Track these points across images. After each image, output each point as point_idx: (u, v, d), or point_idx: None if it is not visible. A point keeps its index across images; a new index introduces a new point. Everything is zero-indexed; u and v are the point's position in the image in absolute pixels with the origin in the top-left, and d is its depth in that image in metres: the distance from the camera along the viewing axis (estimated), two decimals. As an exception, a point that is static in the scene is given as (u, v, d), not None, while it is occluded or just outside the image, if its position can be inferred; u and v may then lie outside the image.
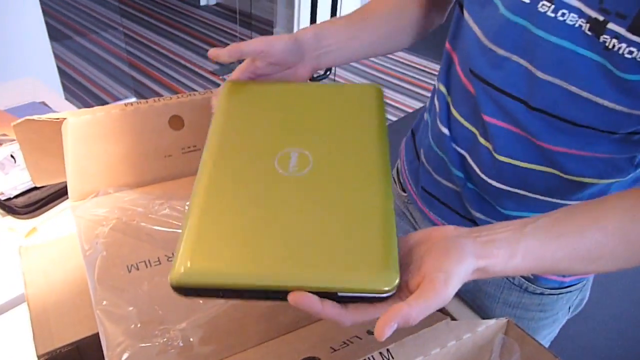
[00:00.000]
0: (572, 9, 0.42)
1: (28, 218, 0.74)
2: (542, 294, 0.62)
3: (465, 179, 0.60)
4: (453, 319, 0.44)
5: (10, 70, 1.91)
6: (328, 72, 2.83)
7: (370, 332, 0.41)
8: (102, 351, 0.41)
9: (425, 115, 0.69)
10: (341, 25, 0.57)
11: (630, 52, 0.40)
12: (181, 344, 0.41)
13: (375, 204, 0.38)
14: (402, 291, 0.35)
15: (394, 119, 2.73)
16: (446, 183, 0.63)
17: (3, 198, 0.74)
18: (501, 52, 0.49)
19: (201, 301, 0.45)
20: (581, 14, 0.42)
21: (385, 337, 0.31)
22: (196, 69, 3.01)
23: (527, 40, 0.46)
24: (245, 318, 0.44)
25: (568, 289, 0.63)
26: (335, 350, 0.39)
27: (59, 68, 2.15)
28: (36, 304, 0.48)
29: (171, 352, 0.41)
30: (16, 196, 0.74)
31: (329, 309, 0.33)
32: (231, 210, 0.37)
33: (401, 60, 3.40)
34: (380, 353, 0.36)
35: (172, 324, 0.42)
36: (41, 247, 0.56)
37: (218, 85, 2.87)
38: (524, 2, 0.46)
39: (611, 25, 0.40)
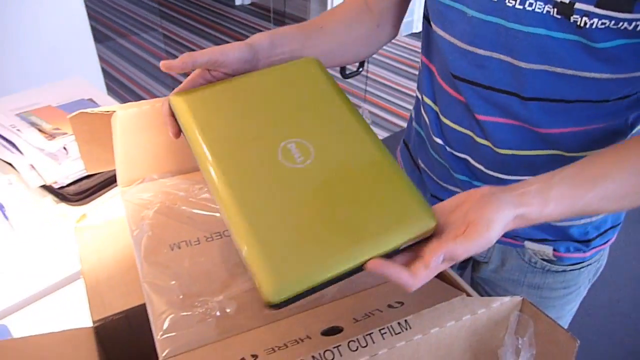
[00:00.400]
0: None
1: (79, 205, 0.80)
2: (564, 271, 0.64)
3: (471, 179, 0.61)
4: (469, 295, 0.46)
5: (59, 71, 2.02)
6: (360, 69, 2.84)
7: (391, 306, 0.44)
8: (148, 319, 0.45)
9: (415, 125, 0.70)
10: (297, 32, 0.57)
11: (603, 24, 0.42)
12: (218, 314, 0.44)
13: (384, 166, 0.42)
14: None
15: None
16: (454, 188, 0.64)
17: (57, 186, 0.80)
18: (481, 52, 0.51)
19: (238, 274, 0.48)
20: (546, 0, 0.43)
21: (432, 265, 0.36)
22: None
23: (503, 35, 0.48)
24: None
25: (589, 262, 0.64)
26: (357, 321, 0.42)
27: (102, 68, 2.25)
28: (90, 278, 0.53)
29: (209, 321, 0.44)
30: (68, 185, 0.80)
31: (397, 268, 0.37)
32: (272, 214, 0.39)
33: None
34: (399, 323, 0.38)
35: (210, 296, 0.46)
36: (94, 228, 0.61)
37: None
38: (493, 1, 0.47)
39: (579, 5, 0.42)
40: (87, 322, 0.49)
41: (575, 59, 0.46)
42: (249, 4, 4.05)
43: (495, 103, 0.52)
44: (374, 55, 3.23)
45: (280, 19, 3.72)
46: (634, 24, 0.41)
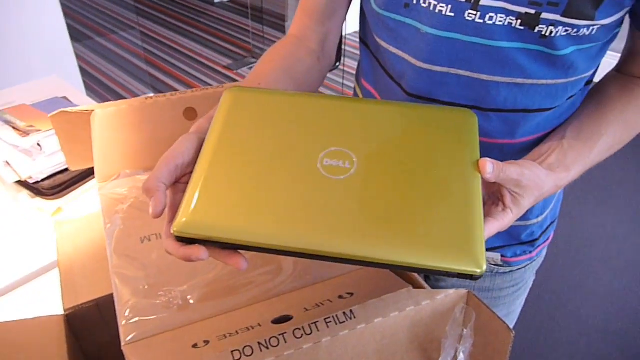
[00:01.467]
0: (497, 10, 0.44)
1: (54, 199, 0.82)
2: (511, 271, 0.66)
3: None
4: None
5: (36, 70, 2.01)
6: (337, 64, 2.86)
7: (341, 297, 0.46)
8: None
9: None
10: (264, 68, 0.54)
11: (566, 31, 0.43)
12: (180, 302, 0.47)
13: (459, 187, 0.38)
14: None
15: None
16: None
17: (32, 181, 0.82)
18: (438, 68, 0.49)
19: (203, 267, 0.51)
20: (507, 12, 0.44)
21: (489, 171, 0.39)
22: (210, 64, 3.09)
23: (462, 50, 0.47)
24: (237, 285, 0.49)
25: (534, 259, 0.67)
26: (307, 310, 0.44)
27: (80, 67, 2.24)
28: (65, 268, 0.55)
29: (171, 309, 0.46)
30: (43, 179, 0.82)
31: None
32: (241, 172, 0.39)
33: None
34: (344, 313, 0.40)
35: (174, 286, 0.48)
36: (72, 222, 0.63)
37: (231, 79, 2.94)
38: (450, 16, 0.46)
39: (545, 15, 0.42)
40: (59, 310, 0.51)
41: (535, 68, 0.47)
42: (228, 1, 4.05)
43: None
44: (350, 50, 3.27)
45: (259, 15, 3.73)
46: (591, 29, 0.43)
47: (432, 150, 0.40)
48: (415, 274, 0.52)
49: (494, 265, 0.65)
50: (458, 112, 0.43)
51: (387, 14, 0.51)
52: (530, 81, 0.48)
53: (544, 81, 0.48)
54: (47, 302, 0.65)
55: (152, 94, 0.65)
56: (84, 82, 2.34)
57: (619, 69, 0.54)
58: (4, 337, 0.45)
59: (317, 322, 0.40)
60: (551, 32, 0.43)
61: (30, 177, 0.82)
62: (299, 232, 0.36)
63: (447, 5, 0.45)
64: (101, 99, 2.74)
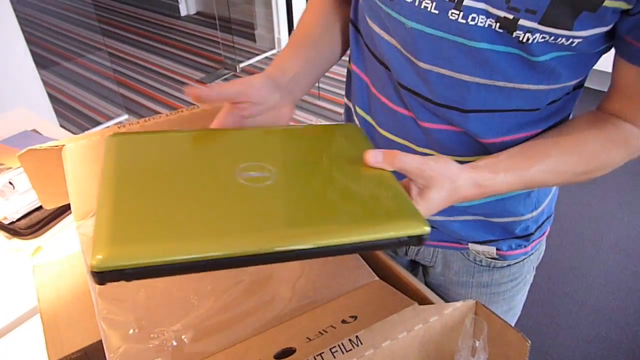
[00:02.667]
0: (479, 11, 0.43)
1: (32, 238, 0.78)
2: (509, 265, 0.65)
3: None
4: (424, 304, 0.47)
5: (1, 103, 1.95)
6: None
7: (345, 321, 0.44)
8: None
9: None
10: (296, 52, 0.58)
11: (543, 38, 0.43)
12: (175, 344, 0.44)
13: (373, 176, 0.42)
14: None
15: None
16: None
17: (7, 222, 0.78)
18: (422, 64, 0.50)
19: (195, 302, 0.49)
20: (488, 14, 0.43)
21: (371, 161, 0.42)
22: (183, 79, 3.05)
23: (445, 49, 0.47)
24: (232, 317, 0.47)
25: (531, 253, 0.66)
26: (310, 340, 0.42)
27: (49, 95, 2.18)
28: (48, 316, 0.52)
29: (165, 352, 0.44)
30: (19, 219, 0.78)
31: None
32: (154, 197, 0.36)
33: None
34: (350, 340, 0.38)
35: (166, 326, 0.46)
36: (52, 265, 0.60)
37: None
38: (434, 14, 0.46)
39: (523, 22, 0.42)
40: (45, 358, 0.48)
41: (515, 72, 0.47)
42: (194, 14, 4.00)
43: (437, 114, 0.53)
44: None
45: (227, 25, 3.70)
46: (570, 40, 0.42)
47: (339, 156, 0.44)
48: (422, 287, 0.50)
49: (490, 259, 0.65)
50: (345, 127, 0.50)
51: (380, 4, 0.50)
52: (510, 84, 0.48)
53: (525, 86, 0.48)
54: (30, 352, 0.61)
55: (126, 116, 0.62)
56: (55, 109, 2.28)
57: (600, 106, 0.53)
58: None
59: (323, 353, 0.38)
60: (528, 39, 0.43)
61: (5, 218, 0.78)
62: (240, 236, 0.33)
63: (432, 2, 0.45)
64: (74, 125, 2.68)
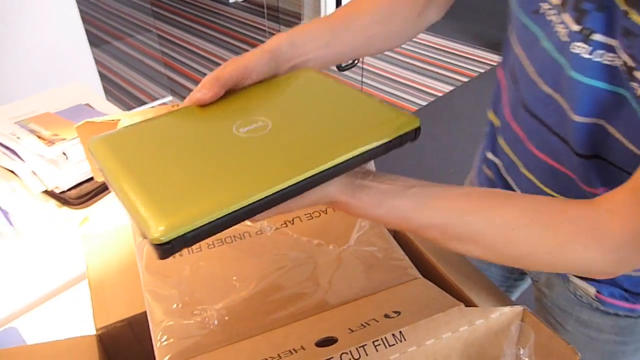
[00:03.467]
0: (608, 48, 0.39)
1: (81, 208, 0.81)
2: (616, 315, 0.57)
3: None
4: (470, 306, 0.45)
5: (57, 77, 2.02)
6: (356, 61, 2.83)
7: (387, 316, 0.44)
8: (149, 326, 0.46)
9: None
10: (319, 30, 0.51)
11: None
12: (216, 322, 0.45)
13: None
14: None
15: (424, 103, 2.73)
16: None
17: (58, 191, 0.81)
18: (545, 88, 0.46)
19: (239, 283, 0.49)
20: (615, 53, 0.39)
21: None
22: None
23: (564, 79, 0.43)
24: (273, 302, 0.47)
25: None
26: (352, 331, 0.41)
27: (99, 72, 2.25)
28: (96, 285, 0.54)
29: (207, 329, 0.44)
30: (69, 189, 0.81)
31: None
32: (167, 166, 0.36)
33: (428, 43, 3.37)
34: (393, 335, 0.38)
35: (209, 304, 0.46)
36: (99, 236, 0.62)
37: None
38: (562, 41, 0.42)
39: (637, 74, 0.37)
40: (92, 323, 0.49)
41: (629, 117, 0.41)
42: (243, 1, 4.04)
43: (548, 143, 0.49)
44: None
45: (274, 14, 3.71)
46: None
47: (313, 95, 0.45)
48: (465, 289, 0.49)
49: (591, 298, 0.57)
50: (302, 71, 0.48)
51: (519, 14, 0.48)
52: (612, 130, 0.43)
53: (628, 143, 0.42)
54: (81, 313, 0.63)
55: (170, 98, 0.63)
56: (104, 87, 2.35)
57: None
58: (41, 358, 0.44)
59: (365, 345, 0.38)
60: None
61: (57, 187, 0.81)
62: (266, 177, 0.34)
63: (564, 29, 0.42)
64: (121, 103, 2.76)
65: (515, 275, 0.73)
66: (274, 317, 0.46)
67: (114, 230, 0.63)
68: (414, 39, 3.39)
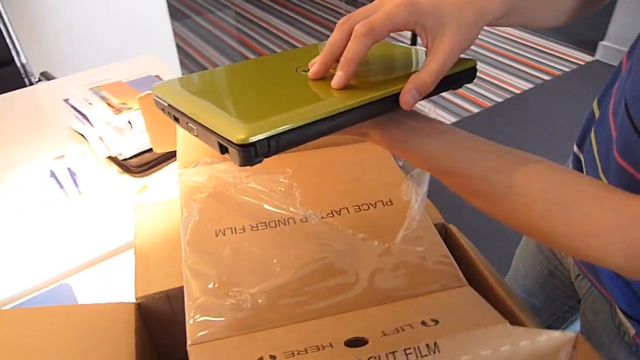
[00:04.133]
0: None
1: (140, 176, 0.84)
2: None
3: None
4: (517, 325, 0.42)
5: (135, 47, 2.11)
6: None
7: (424, 323, 0.41)
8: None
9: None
10: None
11: None
12: (249, 306, 0.44)
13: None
14: None
15: (498, 99, 2.59)
16: None
17: (121, 158, 0.84)
18: None
19: (278, 268, 0.48)
20: None
21: (408, 105, 0.36)
22: (299, 45, 3.09)
23: None
24: (310, 292, 0.46)
25: None
26: (385, 335, 0.39)
27: (178, 45, 2.33)
28: (141, 254, 0.55)
29: (240, 312, 0.44)
30: (131, 157, 0.84)
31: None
32: (243, 88, 0.40)
33: (509, 36, 3.19)
34: (427, 345, 0.36)
35: (245, 287, 0.46)
36: (152, 205, 0.63)
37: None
38: None
39: None
40: (130, 296, 0.50)
41: None
42: (323, -17, 4.01)
43: (633, 151, 0.43)
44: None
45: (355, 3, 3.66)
46: None
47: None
48: (515, 306, 0.45)
49: (633, 340, 0.54)
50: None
51: None
52: None
53: None
54: (126, 281, 0.65)
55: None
56: (180, 59, 2.43)
57: None
58: (76, 320, 0.45)
59: (396, 352, 0.36)
60: None
61: (120, 154, 0.84)
62: (336, 96, 0.36)
63: None
64: (194, 76, 2.84)
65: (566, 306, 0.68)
66: (308, 308, 0.45)
67: (166, 202, 0.64)
68: (493, 30, 3.23)
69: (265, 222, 0.54)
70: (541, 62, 2.92)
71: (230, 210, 0.56)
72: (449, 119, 2.45)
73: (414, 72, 0.37)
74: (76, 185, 0.83)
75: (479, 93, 2.65)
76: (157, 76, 1.02)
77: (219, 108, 0.35)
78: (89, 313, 0.47)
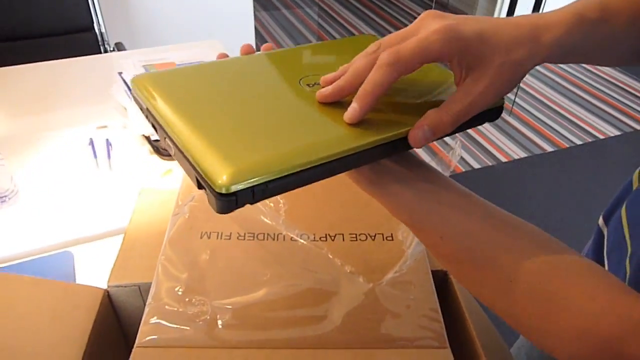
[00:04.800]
0: None
1: (168, 160, 0.84)
2: None
3: None
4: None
5: (217, 31, 2.16)
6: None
7: None
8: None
9: None
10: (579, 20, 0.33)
11: None
12: (208, 318, 0.42)
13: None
14: None
15: (578, 141, 2.41)
16: None
17: (153, 139, 0.85)
18: None
19: (251, 285, 0.46)
20: None
21: (417, 143, 0.31)
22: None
23: None
24: (275, 319, 0.43)
25: None
26: None
27: (260, 34, 2.36)
28: (128, 240, 0.55)
29: (197, 323, 0.42)
30: (162, 140, 0.85)
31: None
32: (231, 115, 0.32)
33: (604, 75, 2.96)
34: None
35: (210, 297, 0.44)
36: (155, 193, 0.63)
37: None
38: None
39: None
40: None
41: None
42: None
43: None
44: (537, 67, 2.93)
45: (442, 10, 3.56)
46: None
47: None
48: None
49: None
50: (367, 37, 0.43)
51: None
52: None
53: None
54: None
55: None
56: (257, 47, 2.47)
57: None
58: (40, 295, 0.46)
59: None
60: None
61: (152, 135, 0.85)
62: (341, 134, 0.31)
63: None
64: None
65: None
66: (267, 335, 0.42)
67: (170, 192, 0.63)
68: (588, 67, 3.01)
69: (254, 234, 0.51)
70: (633, 109, 2.69)
71: (224, 213, 0.54)
72: (517, 152, 2.31)
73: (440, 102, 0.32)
74: (109, 157, 0.85)
75: (556, 130, 2.48)
76: (209, 63, 1.03)
77: (201, 129, 0.30)
78: (56, 290, 0.47)
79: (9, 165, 0.76)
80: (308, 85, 0.36)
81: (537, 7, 2.67)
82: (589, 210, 1.96)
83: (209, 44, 1.24)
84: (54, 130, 0.92)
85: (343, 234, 0.52)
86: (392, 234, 0.53)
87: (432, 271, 0.50)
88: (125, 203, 0.75)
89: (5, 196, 0.74)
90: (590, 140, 2.42)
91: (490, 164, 2.21)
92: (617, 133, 2.48)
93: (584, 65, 3.06)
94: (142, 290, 0.50)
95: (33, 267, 0.62)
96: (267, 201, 0.55)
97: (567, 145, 2.38)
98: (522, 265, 0.29)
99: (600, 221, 0.51)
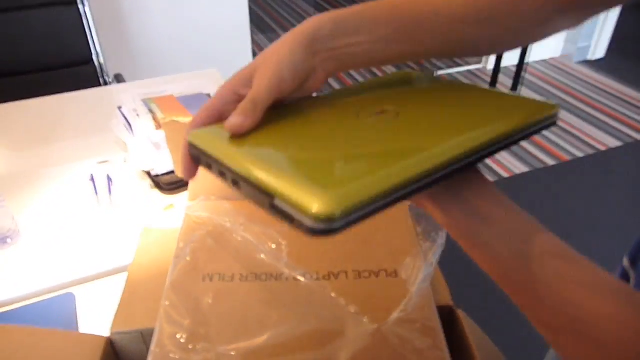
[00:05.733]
0: None
1: (169, 194, 0.84)
2: None
3: None
4: None
5: (213, 58, 2.18)
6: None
7: None
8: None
9: None
10: (384, 17, 0.36)
11: None
12: (212, 367, 0.42)
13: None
14: None
15: (579, 154, 2.41)
16: None
17: (153, 174, 0.85)
18: None
19: (255, 329, 0.45)
20: None
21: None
22: (378, 71, 3.07)
23: None
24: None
25: None
26: None
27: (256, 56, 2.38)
28: (131, 284, 0.54)
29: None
30: (164, 174, 0.85)
31: None
32: (309, 143, 0.33)
33: (603, 87, 2.97)
34: None
35: (215, 343, 0.43)
36: (158, 232, 0.63)
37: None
38: None
39: None
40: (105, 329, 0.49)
41: None
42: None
43: None
44: (534, 80, 2.95)
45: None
46: None
47: (433, 89, 0.43)
48: None
49: None
50: (408, 73, 0.46)
51: None
52: None
53: None
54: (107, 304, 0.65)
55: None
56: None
57: None
58: (40, 345, 0.45)
59: None
60: None
61: (153, 170, 0.85)
62: (423, 151, 0.31)
63: None
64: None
65: None
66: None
67: (173, 231, 0.63)
68: (585, 78, 3.02)
69: (256, 274, 0.51)
70: (633, 119, 2.69)
71: (225, 253, 0.54)
72: (519, 167, 2.31)
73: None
74: (110, 193, 0.85)
75: (556, 143, 2.48)
76: (208, 95, 1.04)
77: (276, 169, 0.29)
78: (57, 340, 0.46)
79: (10, 205, 0.76)
80: (369, 117, 0.36)
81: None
82: (594, 224, 1.94)
83: (207, 74, 1.24)
84: (55, 166, 0.92)
85: (347, 272, 0.52)
86: (395, 270, 0.52)
87: (438, 307, 0.49)
88: (127, 240, 0.75)
89: (8, 237, 0.74)
90: (591, 152, 2.42)
91: (491, 179, 2.21)
92: (619, 144, 2.48)
93: (581, 77, 3.07)
94: (145, 336, 0.49)
95: (34, 311, 0.62)
96: (268, 241, 0.54)
97: (569, 158, 2.37)
98: None
99: (626, 262, 0.49)
